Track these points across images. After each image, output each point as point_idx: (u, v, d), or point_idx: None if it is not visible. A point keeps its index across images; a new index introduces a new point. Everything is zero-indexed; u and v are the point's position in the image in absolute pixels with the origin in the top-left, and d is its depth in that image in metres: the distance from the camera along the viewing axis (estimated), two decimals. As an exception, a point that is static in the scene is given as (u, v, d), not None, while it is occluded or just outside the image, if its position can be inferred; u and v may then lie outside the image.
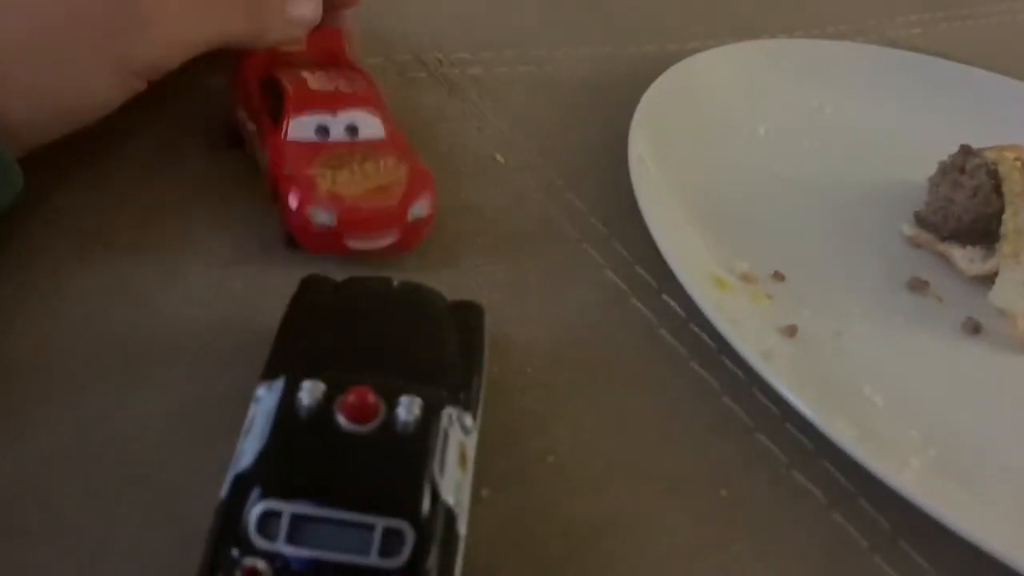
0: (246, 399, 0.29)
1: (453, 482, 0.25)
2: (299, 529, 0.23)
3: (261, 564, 0.23)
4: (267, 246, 0.38)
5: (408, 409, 0.25)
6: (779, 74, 0.56)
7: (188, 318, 0.35)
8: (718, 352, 0.38)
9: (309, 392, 0.25)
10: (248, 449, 0.25)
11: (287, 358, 0.29)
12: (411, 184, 0.37)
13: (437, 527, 0.24)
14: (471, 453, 0.28)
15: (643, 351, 0.38)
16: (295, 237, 0.37)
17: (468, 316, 0.33)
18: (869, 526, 0.33)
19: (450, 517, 0.25)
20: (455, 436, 0.26)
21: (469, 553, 0.26)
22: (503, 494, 0.31)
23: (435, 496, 0.24)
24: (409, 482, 0.24)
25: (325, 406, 0.25)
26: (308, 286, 0.33)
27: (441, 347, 0.31)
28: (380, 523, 0.23)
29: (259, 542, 0.23)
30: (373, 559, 0.23)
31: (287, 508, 0.23)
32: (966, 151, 0.49)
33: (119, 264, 0.36)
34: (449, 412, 0.26)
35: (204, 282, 0.36)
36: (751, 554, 0.31)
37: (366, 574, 0.23)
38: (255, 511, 0.23)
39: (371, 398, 0.25)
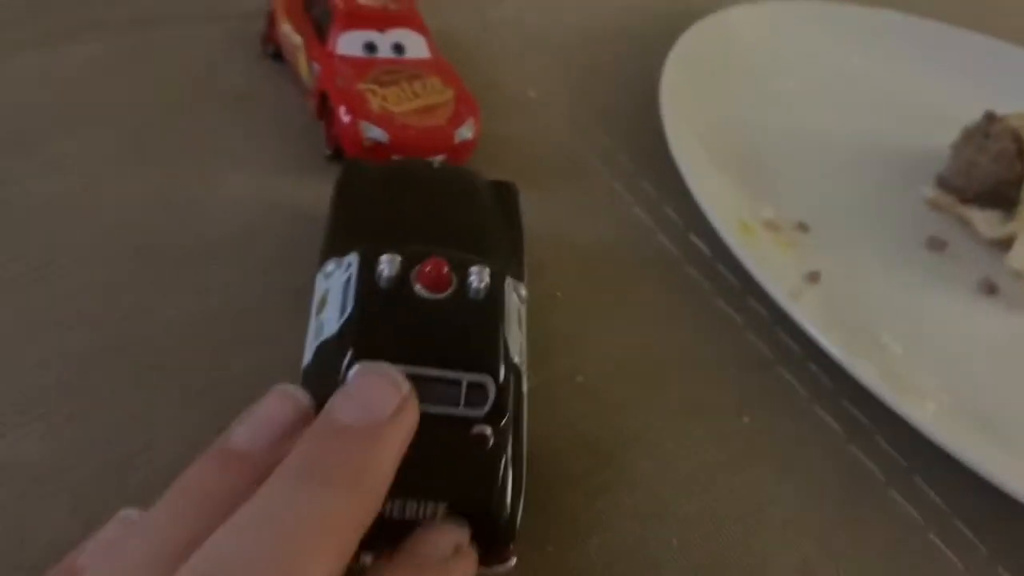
0: (286, 300, 0.30)
1: (518, 343, 0.27)
2: None
3: None
4: (308, 157, 0.39)
5: (479, 278, 0.26)
6: (812, 33, 0.57)
7: (229, 224, 0.35)
8: (742, 291, 0.39)
9: (388, 264, 0.26)
10: (329, 320, 0.26)
11: (351, 234, 0.30)
12: (458, 106, 0.38)
13: (511, 381, 0.26)
14: (525, 318, 0.29)
15: (669, 285, 0.39)
16: (344, 151, 0.37)
17: (506, 194, 0.34)
18: (886, 461, 0.34)
19: (517, 374, 0.27)
20: (514, 302, 0.28)
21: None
22: (534, 407, 0.32)
23: (507, 354, 0.26)
24: (487, 342, 0.26)
25: (403, 277, 0.26)
26: (353, 169, 0.33)
27: (488, 222, 0.32)
28: (465, 378, 0.25)
29: None
30: (461, 409, 0.25)
31: (383, 367, 0.24)
32: (991, 117, 0.49)
33: (161, 168, 0.37)
34: (509, 281, 0.28)
35: (245, 190, 0.37)
36: (771, 477, 0.32)
37: (453, 422, 0.25)
38: (351, 373, 0.24)
39: (446, 268, 0.26)
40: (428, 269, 0.26)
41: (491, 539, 0.25)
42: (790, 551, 0.30)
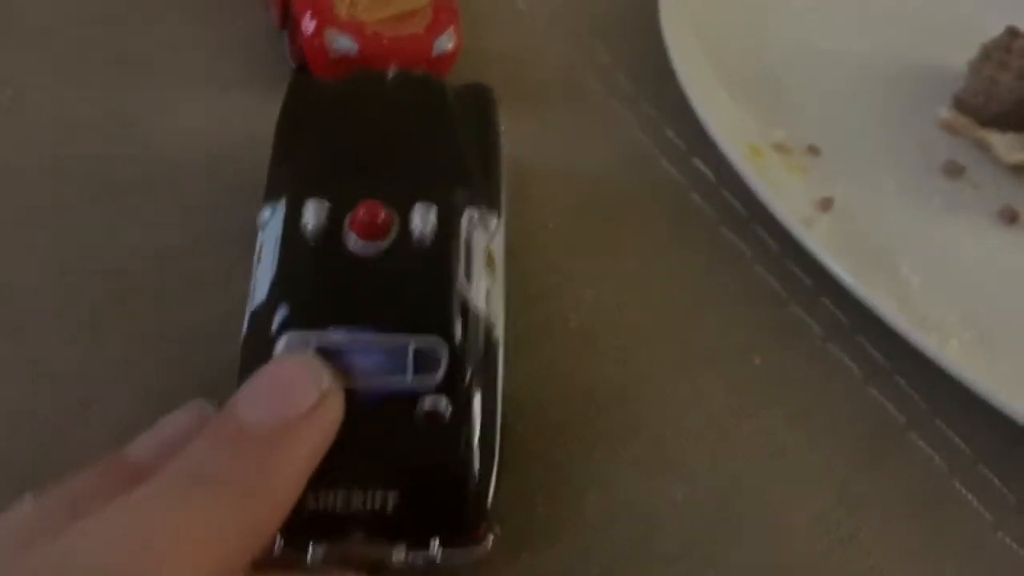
0: (244, 237, 0.26)
1: (482, 288, 0.24)
2: (327, 359, 0.21)
3: None
4: (272, 72, 0.35)
5: (423, 218, 0.23)
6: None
7: (185, 146, 0.32)
8: (750, 220, 0.36)
9: (313, 213, 0.23)
10: (261, 280, 0.23)
11: (287, 173, 0.26)
12: (437, 13, 0.34)
13: (472, 338, 0.22)
14: (500, 255, 0.26)
15: (671, 214, 0.36)
16: (308, 65, 0.33)
17: (478, 102, 0.30)
18: (906, 404, 0.31)
19: (487, 326, 0.23)
20: (479, 239, 0.24)
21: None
22: (521, 354, 0.28)
23: (464, 306, 0.22)
24: (435, 295, 0.22)
25: (333, 226, 0.23)
26: (299, 87, 0.29)
27: (453, 142, 0.27)
28: (412, 342, 0.21)
29: None
30: (409, 380, 0.21)
31: (311, 338, 0.21)
32: (1013, 32, 0.46)
33: (104, 87, 0.33)
34: (470, 214, 0.24)
35: (200, 111, 0.33)
36: (784, 423, 0.29)
37: (401, 397, 0.21)
38: (279, 345, 0.21)
39: (382, 212, 0.22)
40: (360, 214, 0.22)
41: (456, 523, 0.22)
42: (805, 503, 0.28)
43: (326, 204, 0.23)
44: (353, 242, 0.22)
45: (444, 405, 0.22)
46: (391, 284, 0.22)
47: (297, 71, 0.34)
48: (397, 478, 0.21)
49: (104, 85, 0.33)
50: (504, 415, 0.24)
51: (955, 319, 0.35)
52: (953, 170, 0.43)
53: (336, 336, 0.21)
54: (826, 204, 0.38)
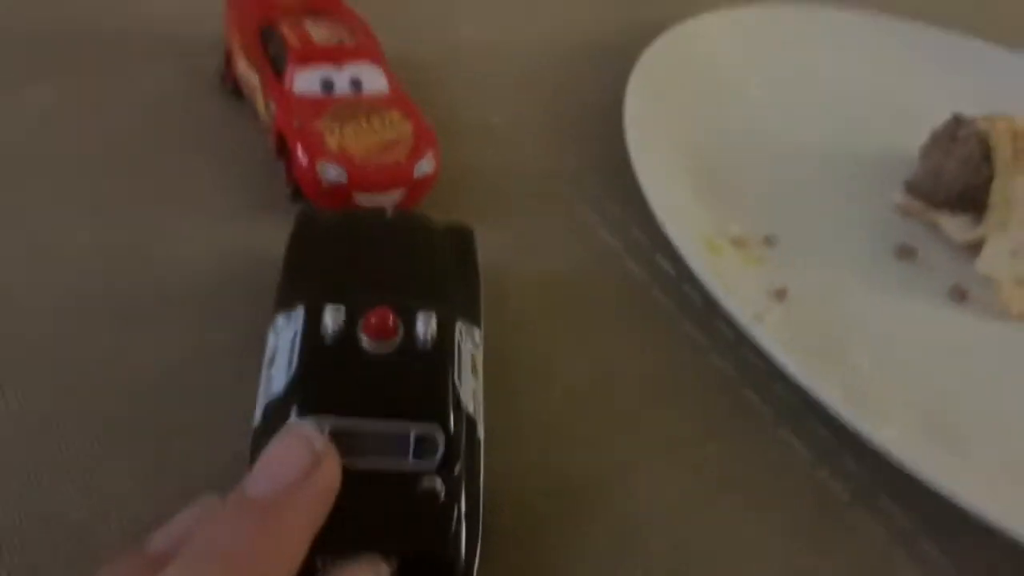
0: (248, 349, 0.30)
1: (470, 390, 0.27)
2: (339, 442, 0.24)
3: None
4: (270, 196, 0.39)
5: (425, 325, 0.27)
6: (775, 39, 0.57)
7: (189, 271, 0.35)
8: (708, 312, 0.39)
9: (332, 317, 0.26)
10: (277, 376, 0.26)
11: (300, 288, 0.30)
12: (417, 141, 0.38)
13: (462, 431, 0.26)
14: (480, 363, 0.29)
15: (636, 310, 0.39)
16: (303, 192, 0.37)
17: (460, 238, 0.35)
18: (853, 482, 0.34)
19: (471, 422, 0.27)
20: (467, 348, 0.28)
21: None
22: (498, 448, 0.32)
23: (457, 403, 0.26)
24: (435, 390, 0.26)
25: (348, 329, 0.26)
26: (306, 219, 0.34)
27: (441, 268, 0.32)
28: (413, 430, 0.25)
29: None
30: (410, 462, 0.25)
31: (325, 423, 0.24)
32: (958, 120, 0.49)
33: (116, 217, 0.37)
34: (460, 326, 0.28)
35: (204, 234, 0.37)
36: (738, 506, 0.32)
37: (402, 476, 0.25)
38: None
39: (391, 318, 0.26)
40: (373, 319, 0.26)
41: None
42: (756, 579, 0.30)
43: (343, 309, 0.26)
44: (366, 342, 0.26)
45: (439, 485, 0.25)
46: (397, 379, 0.26)
47: (294, 195, 0.38)
48: (396, 546, 0.24)
49: (116, 216, 0.37)
50: (484, 503, 0.27)
51: (901, 399, 0.37)
52: (906, 253, 0.46)
53: (348, 422, 0.25)
54: (781, 294, 0.41)
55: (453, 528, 0.25)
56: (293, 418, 0.25)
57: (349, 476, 0.24)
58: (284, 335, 0.27)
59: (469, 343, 0.29)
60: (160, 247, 0.36)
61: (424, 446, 0.25)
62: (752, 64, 0.55)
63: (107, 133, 0.41)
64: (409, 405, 0.25)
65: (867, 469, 0.34)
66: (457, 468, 0.25)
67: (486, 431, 0.29)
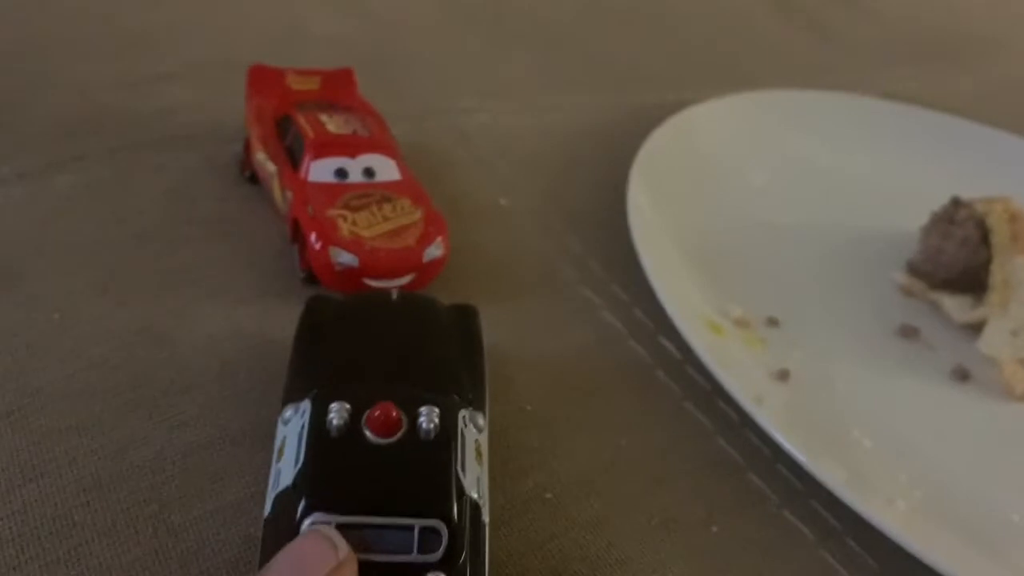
0: (259, 430, 0.31)
1: (474, 477, 0.28)
2: (345, 536, 0.25)
3: None
4: (285, 280, 0.40)
5: (428, 418, 0.27)
6: (775, 125, 0.58)
7: (206, 355, 0.36)
8: (712, 393, 0.40)
9: (337, 413, 0.27)
10: (285, 469, 0.27)
11: (307, 378, 0.31)
12: (427, 226, 0.39)
13: (465, 520, 0.26)
14: (485, 447, 0.30)
15: (639, 391, 0.40)
16: (316, 275, 0.39)
17: (466, 319, 0.35)
18: (856, 564, 0.34)
19: (475, 509, 0.27)
20: (471, 435, 0.29)
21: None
22: (503, 528, 0.32)
23: (460, 493, 0.27)
24: (438, 485, 0.26)
25: (353, 423, 0.27)
26: (315, 305, 0.35)
27: (446, 351, 0.33)
28: (417, 524, 0.26)
29: None
30: (414, 556, 0.25)
31: (334, 520, 0.25)
32: (956, 202, 0.51)
33: (138, 303, 0.38)
34: (463, 414, 0.29)
35: (221, 318, 0.38)
36: (741, 590, 0.32)
37: (406, 570, 0.25)
38: (306, 524, 0.25)
39: (394, 413, 0.27)
40: (377, 414, 0.27)
41: None
42: (760, 667, 0.30)
43: (347, 406, 0.27)
44: (370, 437, 0.27)
45: None
46: (401, 473, 0.26)
47: (307, 279, 0.39)
48: None
49: (138, 301, 0.38)
50: None
51: (904, 478, 0.38)
52: (908, 332, 0.47)
53: (354, 518, 0.25)
54: (783, 375, 0.41)
55: None
56: (300, 512, 0.25)
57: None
58: (292, 427, 0.28)
59: (473, 429, 0.29)
60: (178, 330, 0.37)
61: (428, 539, 0.26)
62: (753, 149, 0.57)
63: (129, 217, 0.42)
64: (413, 501, 0.26)
65: (872, 551, 0.34)
66: (462, 557, 0.26)
67: (491, 511, 0.29)
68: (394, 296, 0.35)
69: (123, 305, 0.38)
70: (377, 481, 0.26)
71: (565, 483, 0.35)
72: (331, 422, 0.27)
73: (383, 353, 0.32)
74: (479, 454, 0.29)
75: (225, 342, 0.37)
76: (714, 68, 0.68)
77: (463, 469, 0.27)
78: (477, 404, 0.31)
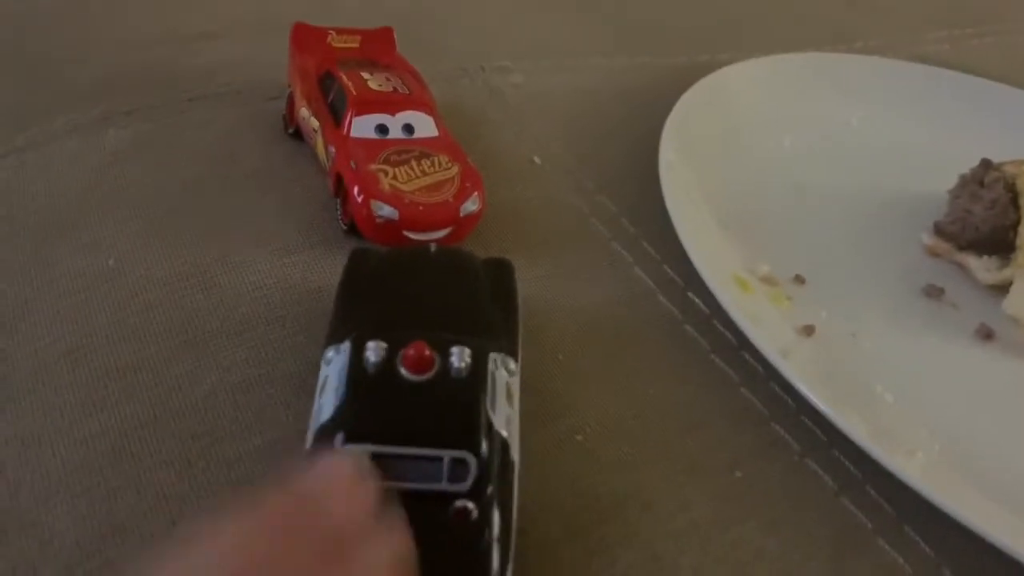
0: (303, 371, 0.32)
1: (504, 416, 0.29)
2: (379, 465, 0.27)
3: None
4: (327, 231, 0.42)
5: (459, 357, 0.29)
6: (807, 87, 0.59)
7: (253, 300, 0.38)
8: (738, 347, 0.41)
9: (374, 351, 0.29)
10: (326, 404, 0.29)
11: (348, 322, 0.32)
12: (463, 182, 0.41)
13: (494, 455, 0.28)
14: (516, 391, 0.32)
15: (667, 344, 0.41)
16: (357, 227, 0.40)
17: (500, 272, 0.37)
18: (875, 512, 0.35)
19: (505, 446, 0.29)
20: (501, 377, 0.30)
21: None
22: (535, 468, 0.34)
23: (490, 429, 0.28)
24: (467, 419, 0.28)
25: (388, 361, 0.29)
26: (358, 257, 0.37)
27: (480, 301, 0.34)
28: (447, 455, 0.27)
29: None
30: (444, 484, 0.27)
31: (368, 449, 0.27)
32: (986, 164, 0.51)
33: (187, 251, 0.40)
34: (494, 357, 0.30)
35: (268, 266, 0.40)
36: (762, 531, 0.34)
37: (437, 497, 0.27)
38: (337, 442, 0.27)
39: (427, 351, 0.29)
40: (411, 352, 0.28)
41: None
42: (779, 603, 0.32)
43: (384, 345, 0.29)
44: (404, 374, 0.28)
45: (471, 507, 0.27)
46: (433, 408, 0.28)
47: (347, 231, 0.41)
48: (431, 563, 0.25)
49: (187, 248, 0.40)
50: (518, 522, 0.29)
51: (924, 432, 0.39)
52: (933, 293, 0.48)
53: (388, 448, 0.27)
54: (809, 331, 0.42)
55: (483, 546, 0.27)
56: (339, 442, 0.27)
57: (388, 496, 0.26)
58: (333, 366, 0.30)
59: (504, 372, 0.31)
60: (226, 278, 0.39)
61: (457, 470, 0.27)
62: (783, 110, 0.57)
63: (178, 171, 0.44)
64: (443, 434, 0.27)
65: (891, 500, 0.35)
66: (489, 490, 0.27)
67: (522, 454, 0.31)
68: (432, 250, 0.36)
69: (173, 253, 0.40)
70: (410, 414, 0.28)
71: (595, 427, 0.36)
72: (368, 360, 0.28)
73: (420, 301, 0.33)
74: (510, 395, 0.31)
75: (271, 289, 0.39)
76: (746, 31, 0.68)
77: (492, 407, 0.29)
78: (509, 349, 0.32)
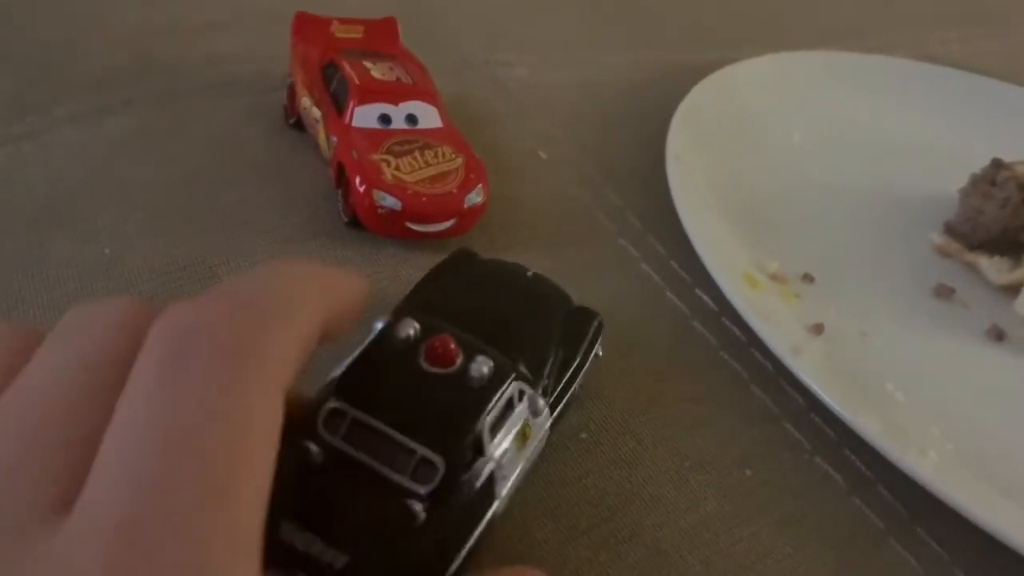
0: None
1: (503, 448, 0.27)
2: (355, 432, 0.26)
3: (315, 448, 0.25)
4: (328, 224, 0.41)
5: (480, 365, 0.27)
6: (816, 85, 0.58)
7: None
8: (748, 345, 0.40)
9: (403, 327, 0.28)
10: (344, 361, 0.28)
11: (413, 305, 0.32)
12: (467, 173, 0.40)
13: (472, 476, 0.26)
14: (537, 436, 0.30)
15: (676, 341, 0.40)
16: (359, 219, 0.39)
17: (583, 319, 0.35)
18: (887, 512, 0.34)
19: (489, 476, 0.27)
20: (520, 410, 0.28)
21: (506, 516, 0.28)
22: (540, 464, 0.33)
23: (478, 448, 0.27)
24: (457, 426, 0.26)
25: (414, 344, 0.28)
26: (456, 256, 0.36)
27: (542, 335, 0.33)
28: (420, 451, 0.26)
29: (322, 432, 0.26)
30: (405, 479, 0.25)
31: (351, 412, 0.26)
32: (997, 164, 0.50)
33: (186, 241, 0.39)
34: (519, 386, 0.28)
35: (267, 257, 0.39)
36: (771, 529, 0.33)
37: (395, 490, 0.25)
38: (327, 406, 0.26)
39: (452, 346, 0.27)
40: (436, 342, 0.27)
41: None
42: (790, 604, 0.31)
43: (416, 325, 0.28)
44: (421, 361, 0.27)
45: (419, 510, 0.25)
46: (429, 402, 0.27)
47: (349, 223, 0.40)
48: (352, 545, 0.24)
49: (186, 239, 0.39)
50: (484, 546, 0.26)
51: (936, 431, 0.38)
52: (943, 292, 0.47)
53: (370, 420, 0.26)
54: (818, 329, 0.42)
55: (413, 553, 0.25)
56: (332, 394, 0.26)
57: (349, 464, 0.25)
58: (372, 332, 0.29)
59: (525, 407, 0.29)
60: (225, 267, 0.38)
61: (424, 470, 0.25)
62: (792, 107, 0.57)
63: (177, 160, 0.43)
64: (425, 427, 0.26)
65: (903, 500, 0.35)
66: (452, 504, 0.26)
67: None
68: (529, 274, 0.35)
69: (172, 243, 0.39)
70: (406, 399, 0.27)
71: (601, 424, 0.36)
72: (396, 335, 0.28)
73: (482, 313, 0.32)
74: (523, 436, 0.29)
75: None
76: (755, 28, 0.68)
77: (491, 431, 0.27)
78: (546, 392, 0.31)
